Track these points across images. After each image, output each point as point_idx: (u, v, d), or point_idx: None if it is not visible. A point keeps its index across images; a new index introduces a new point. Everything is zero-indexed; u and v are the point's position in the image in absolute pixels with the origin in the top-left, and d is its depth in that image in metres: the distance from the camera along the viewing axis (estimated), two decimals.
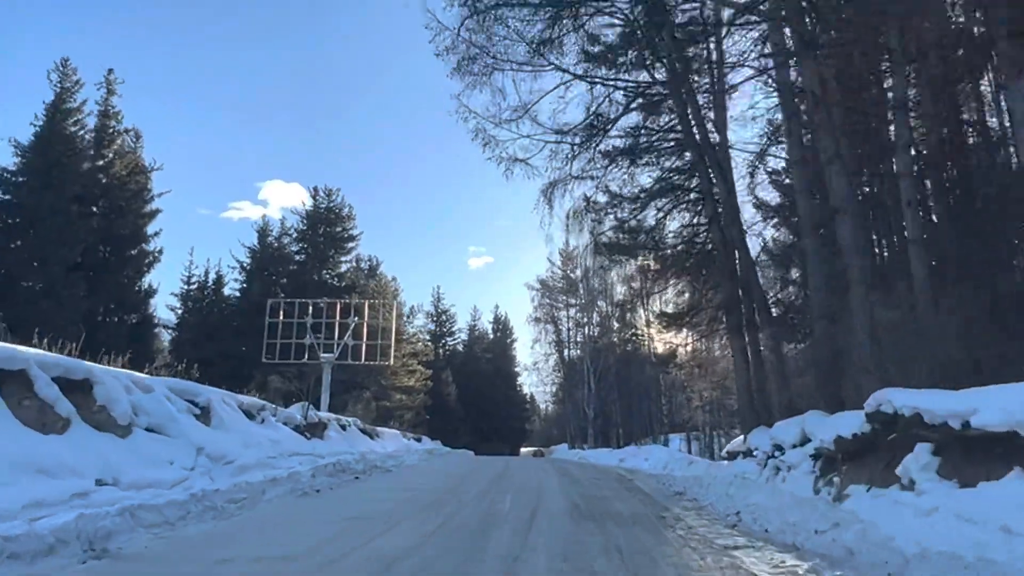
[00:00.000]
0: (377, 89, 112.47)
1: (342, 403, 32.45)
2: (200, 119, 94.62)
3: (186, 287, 47.92)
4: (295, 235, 45.77)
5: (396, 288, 46.18)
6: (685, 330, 22.78)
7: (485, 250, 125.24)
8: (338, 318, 29.17)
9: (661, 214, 18.27)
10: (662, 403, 44.89)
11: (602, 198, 18.30)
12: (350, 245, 46.00)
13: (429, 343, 59.32)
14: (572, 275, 52.72)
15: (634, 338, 49.18)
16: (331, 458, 13.67)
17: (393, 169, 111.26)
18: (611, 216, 18.42)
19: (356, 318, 29.50)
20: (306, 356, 28.38)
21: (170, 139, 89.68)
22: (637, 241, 18.00)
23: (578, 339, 51.81)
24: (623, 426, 50.43)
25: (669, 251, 18.48)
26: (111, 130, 31.68)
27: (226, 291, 47.04)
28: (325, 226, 45.69)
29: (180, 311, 47.18)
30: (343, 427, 19.73)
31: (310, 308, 29.06)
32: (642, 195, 18.10)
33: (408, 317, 48.69)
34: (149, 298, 33.47)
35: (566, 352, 52.82)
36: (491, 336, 76.64)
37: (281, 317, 28.82)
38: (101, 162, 30.92)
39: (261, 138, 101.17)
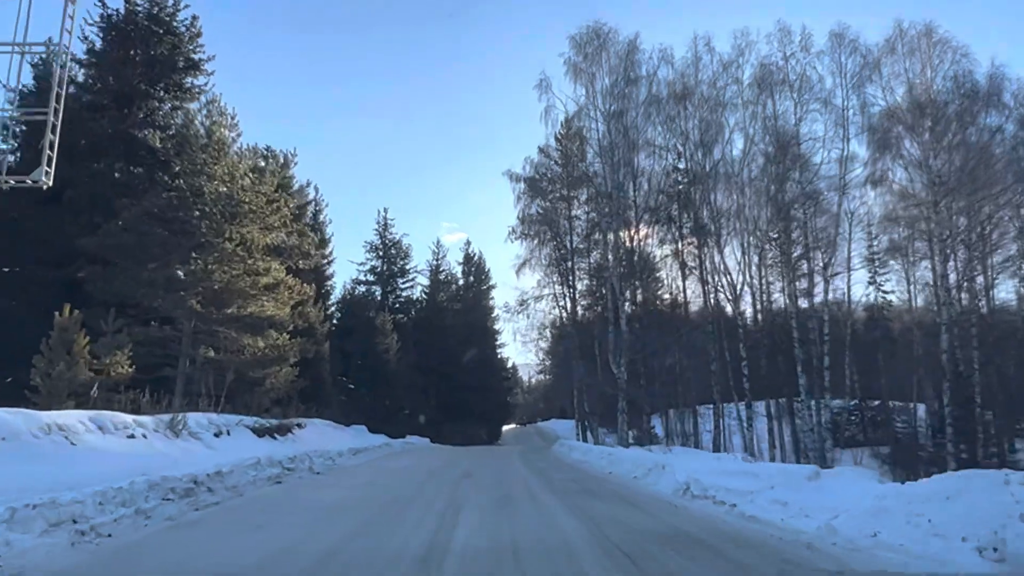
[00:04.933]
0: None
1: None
2: None
3: None
4: (93, 62, 25.33)
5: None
6: None
7: (458, 226, 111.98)
8: None
9: None
10: (742, 356, 25.47)
11: None
12: (189, 81, 25.70)
13: (316, 228, 38.40)
14: (579, 165, 32.74)
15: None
16: None
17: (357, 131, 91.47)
18: None
19: None
20: None
21: None
22: None
23: (592, 258, 32.03)
24: (648, 396, 31.07)
25: None
26: None
27: None
28: (144, 47, 25.27)
29: None
30: None
31: None
32: None
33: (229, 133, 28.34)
34: None
35: (572, 280, 32.89)
36: (461, 281, 56.86)
37: None
38: None
39: None
